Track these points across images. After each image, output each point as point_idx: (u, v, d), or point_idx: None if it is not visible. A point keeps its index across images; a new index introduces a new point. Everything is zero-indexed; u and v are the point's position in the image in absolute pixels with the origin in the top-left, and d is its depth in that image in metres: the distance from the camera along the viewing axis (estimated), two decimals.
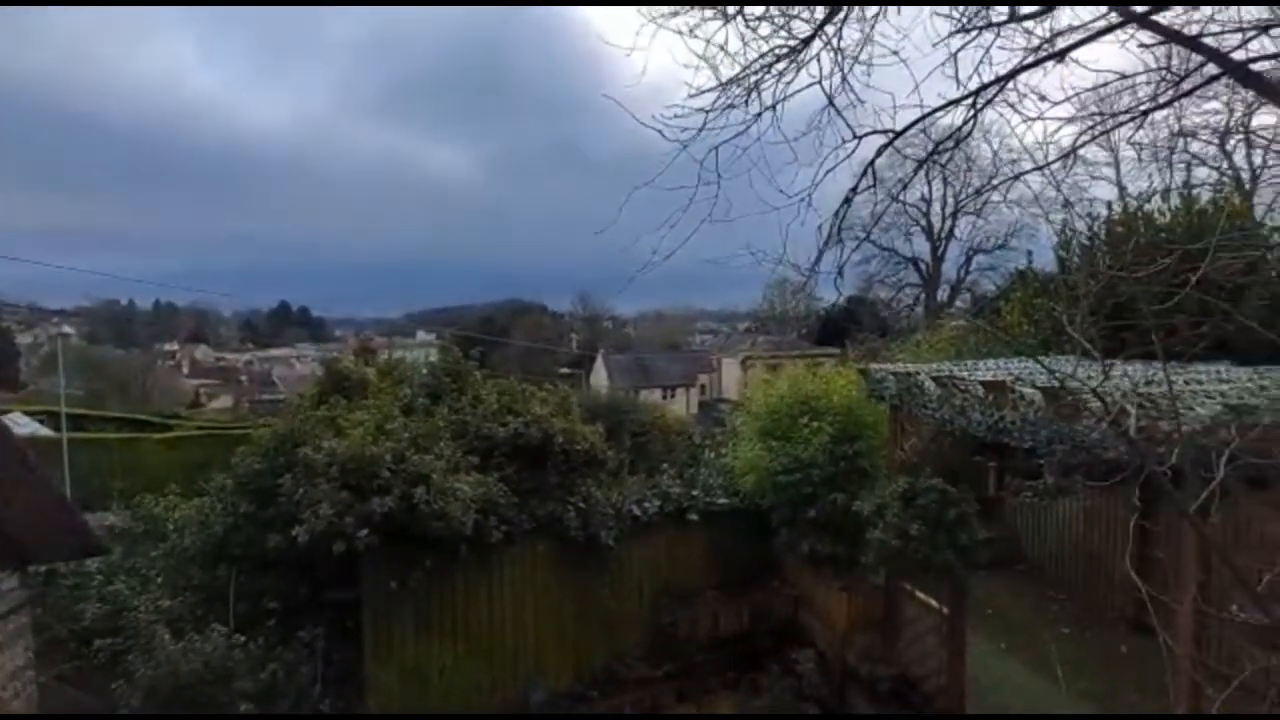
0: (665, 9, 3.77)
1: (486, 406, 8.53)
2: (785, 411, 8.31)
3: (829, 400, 8.08)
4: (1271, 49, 3.68)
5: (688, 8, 3.67)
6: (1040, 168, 4.79)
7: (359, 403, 8.62)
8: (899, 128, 4.14)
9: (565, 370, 49.82)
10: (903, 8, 3.89)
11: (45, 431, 18.86)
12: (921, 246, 34.71)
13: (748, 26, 3.93)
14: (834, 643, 7.87)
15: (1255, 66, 3.88)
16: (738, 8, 3.81)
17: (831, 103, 3.75)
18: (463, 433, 8.19)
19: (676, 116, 3.22)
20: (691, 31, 3.29)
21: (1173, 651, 3.65)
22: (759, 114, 3.42)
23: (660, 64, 3.82)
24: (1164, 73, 4.18)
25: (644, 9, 3.75)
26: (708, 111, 3.23)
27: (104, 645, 7.31)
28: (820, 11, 3.82)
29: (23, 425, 18.14)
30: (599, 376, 46.41)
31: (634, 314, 77.63)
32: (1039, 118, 4.26)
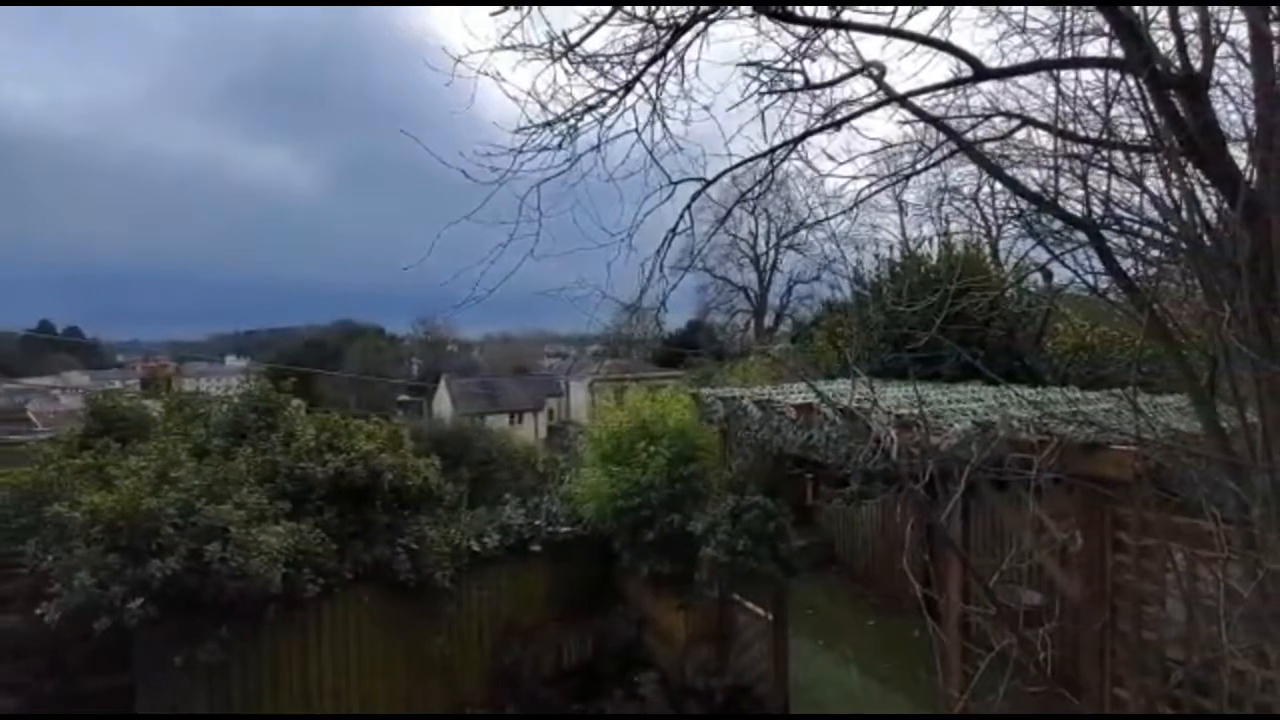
0: (491, 43, 3.79)
1: (302, 444, 7.72)
2: (625, 436, 8.51)
3: (665, 424, 8.40)
4: (994, 133, 4.57)
5: (508, 46, 3.71)
6: (834, 216, 5.46)
7: (136, 446, 7.40)
8: (713, 174, 4.54)
9: (405, 397, 46.78)
10: (717, 67, 4.29)
11: None
12: (751, 276, 37.86)
13: (573, 69, 4.08)
14: (674, 660, 8.11)
15: (987, 145, 4.79)
16: (562, 51, 3.94)
17: (648, 150, 4.00)
18: (271, 476, 7.34)
19: (490, 155, 3.21)
20: (498, 72, 3.32)
21: (940, 637, 4.25)
22: (579, 155, 3.53)
23: (498, 94, 3.81)
24: (920, 144, 5.01)
25: (470, 41, 3.74)
26: (518, 153, 3.27)
27: None
28: (638, 61, 4.07)
29: None
30: (443, 403, 44.23)
31: (480, 337, 75.29)
32: (829, 174, 4.91)
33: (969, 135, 4.81)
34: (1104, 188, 3.85)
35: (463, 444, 14.50)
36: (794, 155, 4.49)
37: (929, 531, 4.86)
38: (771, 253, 36.65)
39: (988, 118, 4.83)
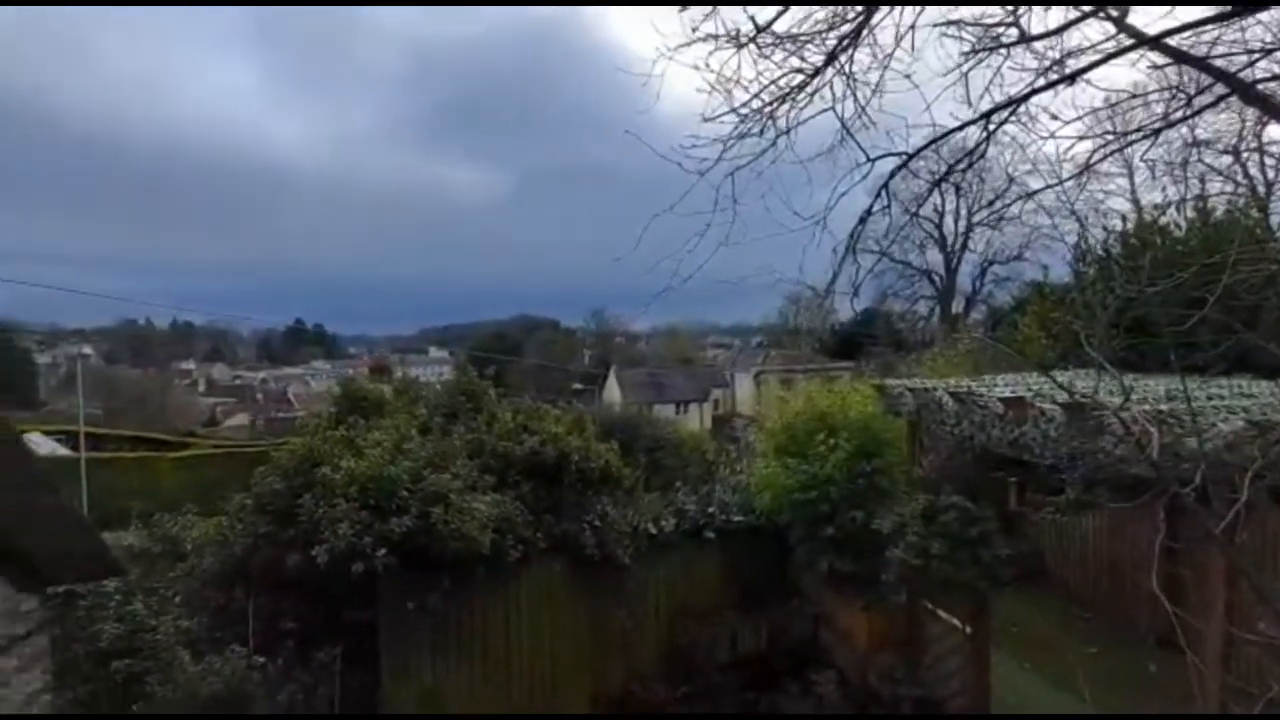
0: (677, 40, 3.87)
1: (502, 425, 8.57)
2: (801, 428, 8.28)
3: (845, 416, 8.04)
4: (1277, 70, 3.71)
5: (699, 38, 3.76)
6: (1054, 185, 4.82)
7: (376, 422, 8.69)
8: (911, 148, 4.20)
9: (578, 386, 49.83)
10: (914, 31, 3.96)
11: (63, 451, 19.06)
12: (935, 259, 34.54)
13: (761, 54, 4.02)
14: (855, 663, 7.78)
15: (1262, 86, 3.91)
16: (751, 36, 3.90)
17: (845, 126, 3.81)
18: (479, 451, 8.23)
19: (695, 146, 3.28)
20: (707, 62, 3.36)
21: (1200, 671, 3.59)
22: (775, 140, 3.48)
23: (678, 90, 3.91)
24: (1174, 91, 4.22)
25: (656, 40, 3.85)
26: (725, 142, 3.29)
27: (121, 666, 7.35)
28: (831, 38, 3.90)
29: (41, 445, 18.26)
30: (612, 392, 46.42)
31: (647, 329, 77.76)
32: (1051, 136, 4.31)
33: (1244, 75, 3.98)
34: None
35: (633, 431, 15.09)
36: (1010, 119, 4.05)
37: (1186, 547, 4.11)
38: (963, 232, 33.13)
39: (1269, 52, 3.96)
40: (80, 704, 7.25)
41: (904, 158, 4.03)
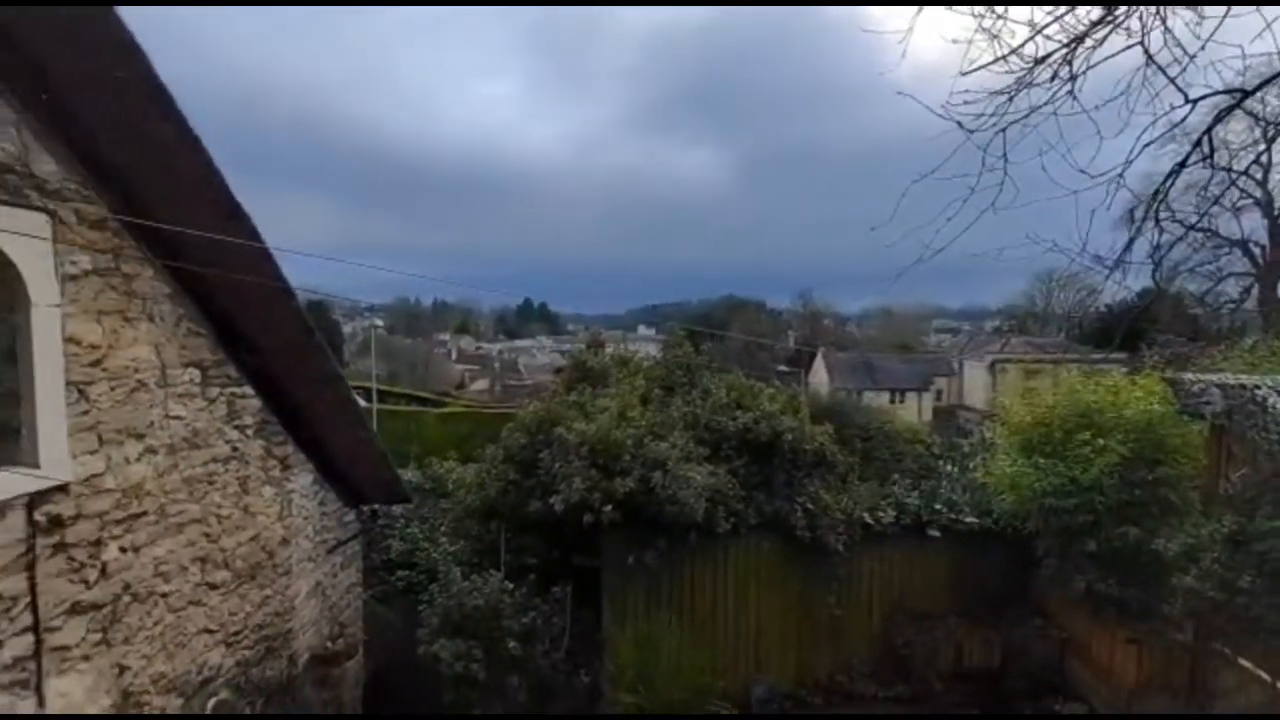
0: None
1: (716, 400, 8.77)
2: (1057, 425, 7.19)
3: (1118, 414, 6.79)
4: None
5: None
6: None
7: (602, 391, 9.46)
8: (1241, 84, 3.34)
9: (783, 368, 48.85)
10: None
11: (361, 403, 23.84)
12: (1253, 224, 26.71)
13: None
14: (1115, 702, 6.66)
15: None
16: None
17: (1154, 62, 3.14)
18: (694, 424, 8.52)
19: (966, 103, 2.96)
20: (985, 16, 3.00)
21: None
22: (1069, 83, 2.99)
23: (916, 49, 3.55)
24: None
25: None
26: (1011, 95, 2.91)
27: (403, 576, 9.11)
28: None
29: None
30: (818, 375, 44.73)
31: (858, 311, 73.22)
32: None
33: None
34: None
35: (842, 417, 14.37)
36: None
37: None
38: None
39: None
40: (376, 599, 9.15)
41: (1237, 96, 3.23)
